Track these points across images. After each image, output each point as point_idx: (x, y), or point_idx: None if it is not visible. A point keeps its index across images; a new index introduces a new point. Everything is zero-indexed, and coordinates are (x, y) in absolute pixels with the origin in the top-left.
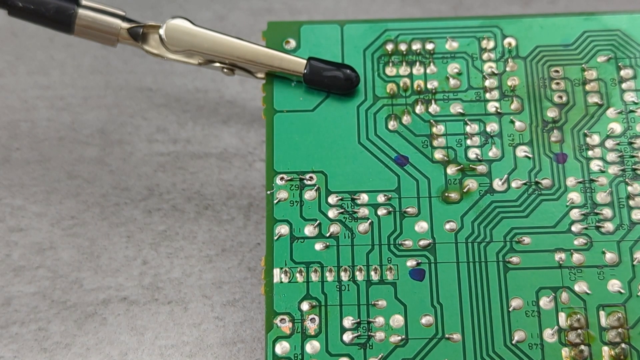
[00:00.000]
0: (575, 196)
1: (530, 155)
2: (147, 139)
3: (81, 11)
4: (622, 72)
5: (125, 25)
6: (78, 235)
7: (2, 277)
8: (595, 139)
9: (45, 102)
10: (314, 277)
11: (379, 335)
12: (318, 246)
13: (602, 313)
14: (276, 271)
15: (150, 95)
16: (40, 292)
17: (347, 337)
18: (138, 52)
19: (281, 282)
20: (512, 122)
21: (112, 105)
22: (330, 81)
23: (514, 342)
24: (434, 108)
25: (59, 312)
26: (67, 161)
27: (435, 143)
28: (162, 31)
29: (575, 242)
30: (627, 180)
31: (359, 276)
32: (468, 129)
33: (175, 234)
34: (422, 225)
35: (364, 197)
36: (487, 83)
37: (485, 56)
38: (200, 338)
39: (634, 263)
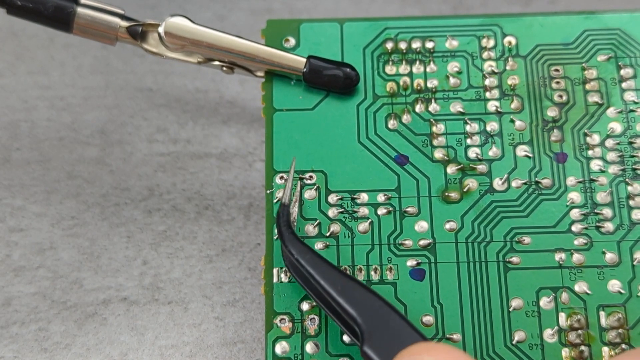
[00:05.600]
0: (575, 196)
1: (531, 155)
2: (147, 139)
3: (80, 10)
4: (622, 72)
5: (125, 23)
6: (78, 235)
7: (2, 277)
8: (595, 138)
9: (45, 102)
10: None
11: None
12: (318, 245)
13: (602, 313)
14: (275, 271)
15: (150, 96)
16: (40, 292)
17: (347, 337)
18: (138, 52)
19: (280, 281)
20: (512, 121)
21: (112, 105)
22: (330, 80)
23: (514, 342)
24: (434, 107)
25: (59, 312)
26: (67, 161)
27: (435, 142)
28: (161, 29)
29: (576, 242)
30: (627, 180)
31: (359, 276)
32: (468, 128)
33: (176, 234)
34: (422, 225)
35: (364, 197)
36: (487, 82)
37: (485, 55)
38: (201, 338)
39: (634, 263)
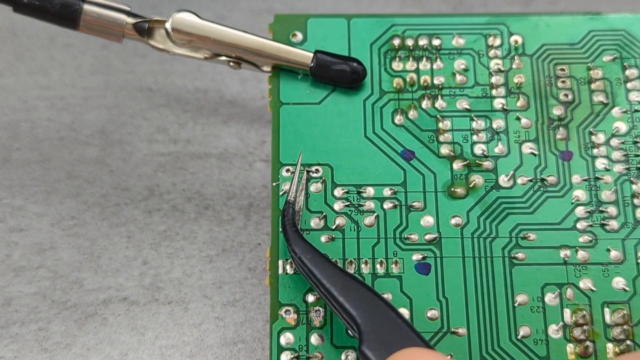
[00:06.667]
0: (580, 194)
1: (536, 152)
2: (147, 139)
3: (86, 7)
4: (627, 72)
5: (131, 20)
6: (78, 235)
7: (2, 277)
8: (600, 137)
9: (45, 102)
10: None
11: None
12: (323, 238)
13: (606, 310)
14: (281, 262)
15: (150, 96)
16: (40, 292)
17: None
18: (138, 52)
19: (286, 273)
20: (518, 119)
21: (112, 105)
22: (337, 74)
23: (519, 337)
24: (440, 103)
25: (59, 312)
26: (67, 161)
27: (441, 138)
28: (168, 25)
29: (581, 239)
30: (632, 178)
31: (365, 269)
32: (474, 125)
33: (176, 234)
34: (427, 220)
35: (370, 191)
36: (493, 80)
37: (491, 53)
38: (201, 338)
39: (639, 261)
